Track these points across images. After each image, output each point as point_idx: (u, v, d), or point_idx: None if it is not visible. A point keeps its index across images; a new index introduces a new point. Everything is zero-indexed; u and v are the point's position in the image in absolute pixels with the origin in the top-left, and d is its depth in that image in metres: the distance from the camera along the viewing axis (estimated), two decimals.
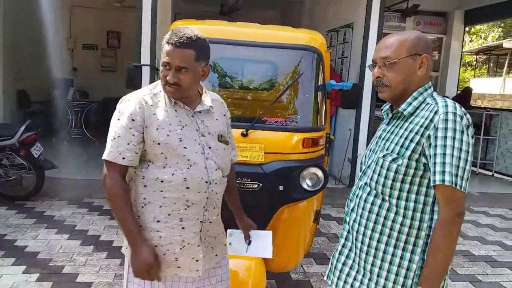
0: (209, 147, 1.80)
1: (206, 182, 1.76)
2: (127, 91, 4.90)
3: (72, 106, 8.95)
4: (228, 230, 2.24)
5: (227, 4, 9.63)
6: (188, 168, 1.72)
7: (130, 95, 1.79)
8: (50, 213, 4.88)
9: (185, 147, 1.73)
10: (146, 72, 5.59)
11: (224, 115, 1.96)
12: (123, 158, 1.70)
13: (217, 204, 1.87)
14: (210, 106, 1.86)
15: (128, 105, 1.74)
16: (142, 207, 1.76)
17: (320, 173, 3.01)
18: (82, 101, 9.32)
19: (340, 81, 4.63)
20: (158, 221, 1.74)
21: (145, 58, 5.83)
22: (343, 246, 1.76)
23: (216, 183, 1.80)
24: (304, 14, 9.11)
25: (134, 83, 3.58)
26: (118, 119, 1.73)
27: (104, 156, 1.73)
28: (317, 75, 3.47)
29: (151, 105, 1.75)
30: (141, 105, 1.73)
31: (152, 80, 5.58)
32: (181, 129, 1.75)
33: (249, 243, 2.26)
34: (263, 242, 2.31)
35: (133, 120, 1.71)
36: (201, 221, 1.79)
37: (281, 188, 2.91)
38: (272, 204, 2.93)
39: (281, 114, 3.29)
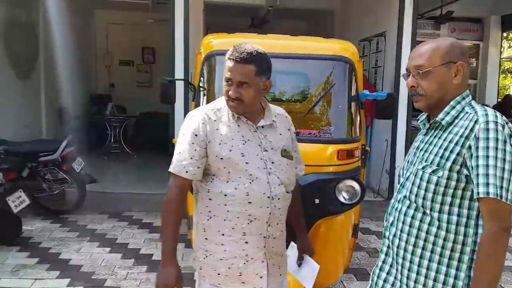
0: (272, 162, 1.81)
1: (269, 197, 1.77)
2: (163, 105, 5.01)
3: (110, 121, 9.22)
4: (291, 243, 2.23)
5: (258, 16, 9.73)
6: (251, 182, 1.75)
7: (195, 110, 1.87)
8: (92, 227, 5.03)
9: (247, 162, 1.76)
10: (180, 86, 5.73)
11: (289, 129, 1.96)
12: (186, 172, 1.75)
13: (280, 220, 1.86)
14: (273, 120, 1.88)
15: (192, 121, 1.80)
16: (208, 220, 1.80)
17: (356, 186, 2.98)
18: (120, 116, 9.59)
19: (374, 91, 4.58)
20: (222, 235, 1.78)
21: (179, 72, 5.96)
22: (383, 262, 1.72)
23: (279, 199, 1.80)
24: (335, 24, 9.08)
25: (168, 97, 3.67)
26: (183, 134, 1.80)
27: (170, 169, 1.79)
28: (350, 85, 3.46)
29: (214, 120, 1.79)
30: (204, 120, 1.78)
31: (186, 94, 5.70)
32: (243, 144, 1.78)
33: (299, 265, 2.22)
34: (309, 272, 2.25)
35: (196, 135, 1.76)
36: (264, 237, 1.80)
37: (317, 201, 2.89)
38: (308, 218, 2.90)
39: (315, 126, 3.28)
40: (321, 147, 3.09)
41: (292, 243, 2.25)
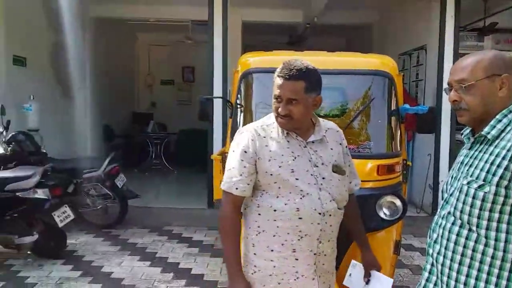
0: (323, 178, 1.78)
1: (320, 213, 1.74)
2: (202, 123, 5.08)
3: (152, 138, 9.48)
4: (352, 261, 2.18)
5: (295, 34, 9.79)
6: (301, 198, 1.73)
7: (245, 127, 1.87)
8: (133, 241, 5.14)
9: (297, 178, 1.74)
10: (219, 103, 5.83)
11: (340, 144, 1.92)
12: (236, 189, 1.76)
13: (331, 238, 1.83)
14: (324, 135, 1.86)
15: (241, 137, 1.82)
16: (257, 235, 1.78)
17: (398, 202, 2.90)
18: (161, 133, 9.84)
19: (415, 105, 4.48)
20: (271, 250, 1.76)
21: (217, 90, 6.07)
22: (427, 281, 1.65)
23: (330, 215, 1.77)
24: (373, 39, 9.00)
25: (205, 115, 3.74)
26: (233, 151, 1.82)
27: (221, 186, 1.81)
28: (390, 99, 3.40)
29: (264, 137, 1.80)
30: (254, 137, 1.79)
31: (224, 111, 5.79)
32: (293, 160, 1.77)
33: (367, 282, 2.12)
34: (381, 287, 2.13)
35: (245, 152, 1.77)
36: (315, 254, 1.77)
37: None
38: (348, 235, 2.85)
39: (353, 141, 3.23)
40: (360, 162, 3.01)
41: (354, 261, 2.17)
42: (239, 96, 3.57)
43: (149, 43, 11.38)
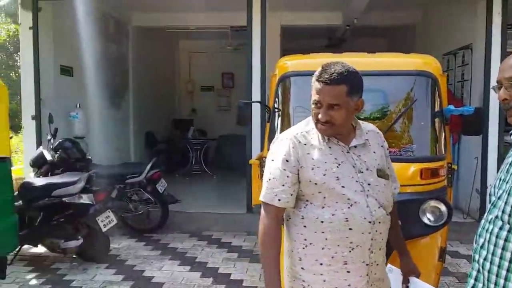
0: (369, 184, 1.70)
1: (370, 222, 1.66)
2: (241, 128, 5.10)
3: (192, 144, 9.61)
4: (388, 265, 2.08)
5: (334, 36, 9.68)
6: (349, 207, 1.65)
7: (283, 134, 1.78)
8: (173, 245, 5.20)
9: (343, 186, 1.66)
10: (257, 108, 5.82)
11: (382, 146, 1.84)
12: (279, 200, 1.68)
13: (382, 246, 1.75)
14: (366, 139, 1.77)
15: (281, 146, 1.73)
16: (303, 248, 1.70)
17: (442, 207, 2.78)
18: (201, 139, 9.97)
19: (460, 106, 4.29)
20: (321, 264, 1.67)
21: (256, 95, 6.07)
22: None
23: (379, 222, 1.69)
24: (415, 39, 8.74)
25: (244, 120, 3.74)
26: (272, 160, 1.73)
27: (261, 197, 1.73)
28: (433, 100, 3.28)
29: (304, 144, 1.71)
30: (294, 145, 1.70)
31: (263, 116, 5.77)
32: (337, 167, 1.68)
33: None
34: None
35: (287, 161, 1.69)
36: (367, 264, 1.69)
37: (399, 223, 2.73)
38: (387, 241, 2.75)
39: (395, 144, 3.13)
40: (403, 166, 2.91)
41: (390, 266, 2.07)
42: (276, 100, 3.54)
43: (190, 50, 11.58)
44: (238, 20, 6.95)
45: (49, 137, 5.64)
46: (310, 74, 3.65)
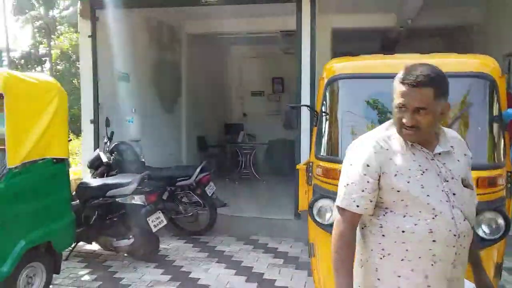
0: (454, 194, 1.61)
1: (455, 235, 1.57)
2: (290, 133, 5.06)
3: (242, 148, 9.69)
4: (466, 282, 1.97)
5: (388, 38, 9.42)
6: (433, 218, 1.56)
7: (362, 139, 1.72)
8: (220, 248, 5.26)
9: (428, 195, 1.58)
10: (307, 112, 5.77)
11: (465, 155, 1.74)
12: (357, 206, 1.62)
13: (465, 261, 1.67)
14: (451, 146, 1.69)
15: (361, 150, 1.67)
16: (381, 258, 1.63)
17: (499, 219, 2.61)
18: (250, 144, 10.03)
19: None
20: (399, 276, 1.60)
21: (305, 99, 6.01)
22: None
23: (464, 236, 1.60)
24: (473, 39, 8.31)
25: (290, 124, 3.71)
26: (351, 165, 1.67)
27: (337, 203, 1.68)
28: (491, 104, 3.10)
29: (387, 149, 1.64)
30: (376, 149, 1.64)
31: (312, 120, 5.70)
32: (422, 174, 1.60)
33: None
34: None
35: (367, 165, 1.62)
36: (447, 279, 1.61)
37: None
38: None
39: None
40: None
41: (468, 283, 1.93)
42: (324, 103, 3.48)
43: (240, 56, 11.71)
44: (288, 25, 6.94)
45: (105, 140, 5.91)
46: (358, 77, 3.57)
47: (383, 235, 1.61)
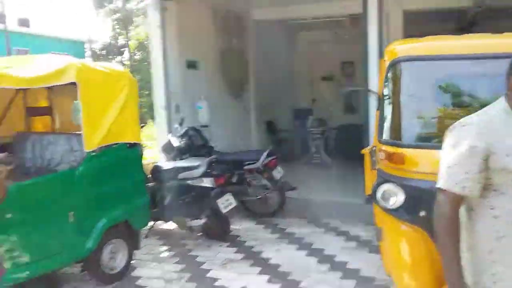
0: None
1: None
2: (360, 117, 4.94)
3: (311, 133, 9.57)
4: None
5: (464, 19, 8.76)
6: None
7: (465, 120, 1.69)
8: (290, 230, 5.25)
9: None
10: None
11: None
12: (463, 187, 1.59)
13: None
14: None
15: (465, 131, 1.64)
16: (495, 240, 1.61)
17: None
18: (320, 128, 9.85)
19: None
20: None
21: (373, 84, 5.77)
22: None
23: None
24: None
25: (351, 107, 3.59)
26: (453, 146, 1.64)
27: (439, 184, 1.65)
28: None
29: (496, 129, 1.61)
30: (481, 130, 1.61)
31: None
32: None
33: None
34: None
35: (473, 146, 1.59)
36: None
37: None
38: None
39: None
40: None
41: None
42: (386, 87, 3.32)
43: (308, 41, 11.51)
44: (355, 8, 6.67)
45: (176, 125, 6.11)
46: (421, 59, 3.33)
47: (495, 217, 1.57)
